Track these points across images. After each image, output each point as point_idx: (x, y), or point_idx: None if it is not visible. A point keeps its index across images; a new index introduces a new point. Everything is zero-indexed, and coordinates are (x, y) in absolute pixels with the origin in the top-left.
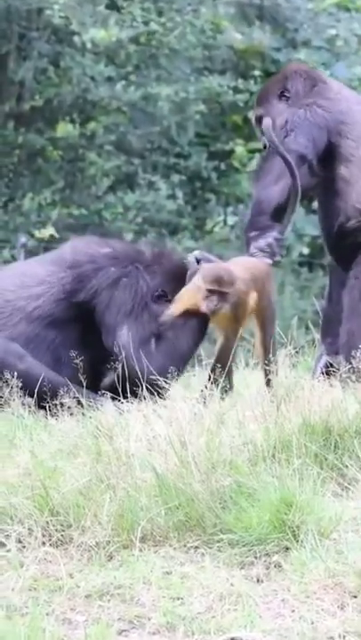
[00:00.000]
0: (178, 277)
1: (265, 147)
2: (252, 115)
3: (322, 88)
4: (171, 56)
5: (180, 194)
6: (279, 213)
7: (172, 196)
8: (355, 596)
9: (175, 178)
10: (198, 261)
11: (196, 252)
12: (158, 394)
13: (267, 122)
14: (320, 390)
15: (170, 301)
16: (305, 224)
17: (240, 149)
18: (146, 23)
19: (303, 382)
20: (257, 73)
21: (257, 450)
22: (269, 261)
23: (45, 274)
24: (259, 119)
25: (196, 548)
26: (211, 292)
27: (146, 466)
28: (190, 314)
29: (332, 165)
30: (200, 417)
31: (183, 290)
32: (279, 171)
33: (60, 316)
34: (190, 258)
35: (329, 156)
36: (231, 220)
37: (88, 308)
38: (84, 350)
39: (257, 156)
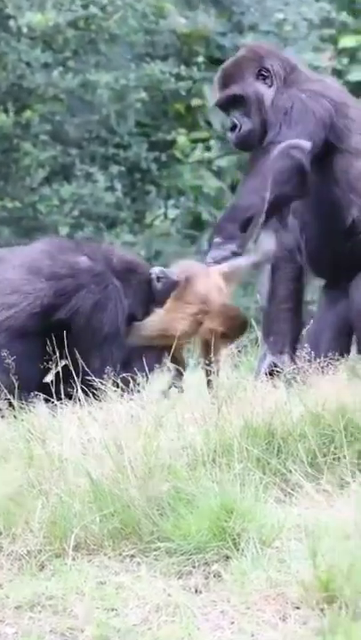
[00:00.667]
0: (145, 301)
1: (234, 127)
2: (219, 94)
3: (305, 73)
4: (111, 41)
5: (118, 186)
6: (254, 221)
7: (111, 188)
8: (297, 607)
9: (114, 169)
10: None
11: None
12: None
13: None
14: (263, 391)
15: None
16: None
17: (182, 139)
18: (85, 7)
19: (246, 383)
20: (200, 59)
21: (196, 454)
22: None
23: (20, 282)
24: (233, 98)
25: (132, 556)
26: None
27: (80, 471)
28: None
29: (339, 160)
30: (137, 419)
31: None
32: (271, 171)
33: (31, 329)
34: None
35: (330, 151)
36: (172, 213)
37: (63, 325)
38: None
39: (199, 145)
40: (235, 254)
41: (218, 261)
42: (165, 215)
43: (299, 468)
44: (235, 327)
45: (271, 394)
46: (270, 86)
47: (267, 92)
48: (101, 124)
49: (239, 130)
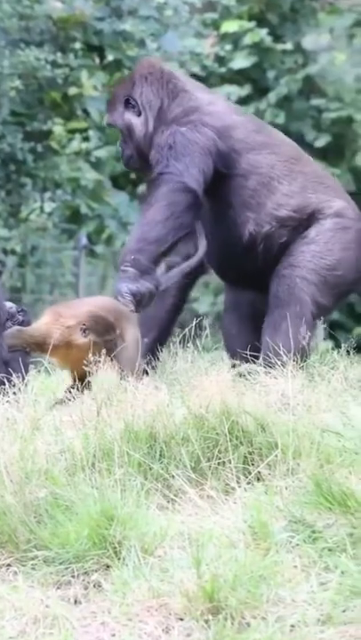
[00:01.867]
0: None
1: (122, 152)
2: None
3: (188, 98)
4: None
5: None
6: (163, 254)
7: None
8: (181, 619)
9: None
10: None
11: None
12: None
13: None
14: (144, 393)
15: None
16: (129, 211)
17: (59, 129)
18: None
19: (126, 384)
20: (78, 46)
21: (75, 458)
22: (132, 308)
23: None
24: (110, 125)
25: (9, 565)
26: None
27: None
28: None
29: (230, 184)
30: (13, 422)
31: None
32: (169, 202)
33: None
34: None
35: (220, 178)
36: (48, 206)
37: None
38: None
39: (77, 136)
40: (151, 294)
41: (134, 294)
42: (42, 209)
43: (182, 473)
44: (92, 319)
45: (153, 396)
46: (139, 115)
47: (135, 121)
48: None
49: (122, 154)
